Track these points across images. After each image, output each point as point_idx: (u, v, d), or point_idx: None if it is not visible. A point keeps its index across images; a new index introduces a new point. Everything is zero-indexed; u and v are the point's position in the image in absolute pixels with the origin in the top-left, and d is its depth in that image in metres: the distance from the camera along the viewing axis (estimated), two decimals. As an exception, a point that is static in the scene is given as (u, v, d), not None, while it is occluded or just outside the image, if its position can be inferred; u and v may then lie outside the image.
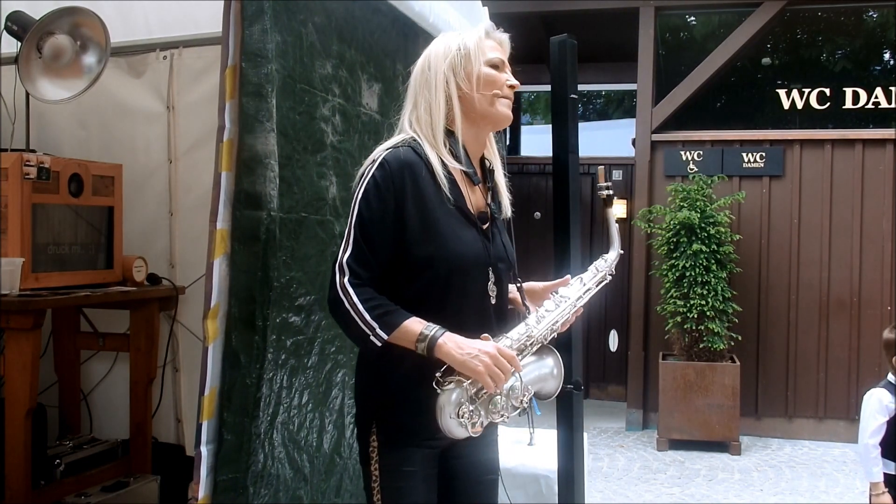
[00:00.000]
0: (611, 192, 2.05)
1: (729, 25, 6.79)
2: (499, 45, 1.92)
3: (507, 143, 9.20)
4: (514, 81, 1.90)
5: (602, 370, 7.71)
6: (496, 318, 1.87)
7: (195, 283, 3.43)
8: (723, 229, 5.94)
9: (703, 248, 5.83)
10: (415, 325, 1.71)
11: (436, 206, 1.78)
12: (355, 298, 1.71)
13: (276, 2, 2.10)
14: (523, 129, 9.73)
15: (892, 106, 6.45)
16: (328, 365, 2.42)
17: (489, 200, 1.92)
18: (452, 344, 1.69)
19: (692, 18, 7.42)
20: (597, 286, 2.00)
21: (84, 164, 3.14)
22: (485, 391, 1.72)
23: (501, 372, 1.70)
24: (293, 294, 2.19)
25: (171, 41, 3.57)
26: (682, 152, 6.62)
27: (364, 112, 2.59)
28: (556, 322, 1.88)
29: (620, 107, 10.67)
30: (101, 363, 3.74)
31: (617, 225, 2.07)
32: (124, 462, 3.39)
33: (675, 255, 5.98)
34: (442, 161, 1.81)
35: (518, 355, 1.79)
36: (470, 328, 1.76)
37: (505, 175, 2.03)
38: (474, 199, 1.89)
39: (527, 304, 1.96)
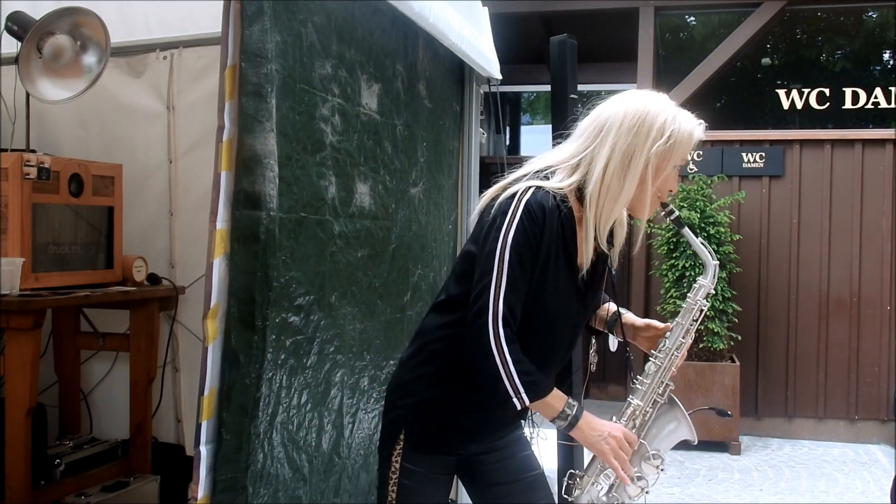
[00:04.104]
0: (673, 212, 1.91)
1: (729, 25, 6.78)
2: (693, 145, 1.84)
3: (508, 143, 9.19)
4: (675, 187, 1.86)
5: (602, 370, 7.70)
6: (563, 367, 1.95)
7: (195, 283, 3.43)
8: (723, 229, 5.93)
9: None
10: (557, 401, 1.76)
11: (553, 260, 1.74)
12: (509, 358, 1.68)
13: (276, 2, 2.10)
14: (523, 129, 9.74)
15: (892, 106, 6.45)
16: (327, 365, 2.43)
17: (604, 251, 1.83)
18: (587, 426, 1.79)
19: (692, 18, 7.42)
20: (694, 322, 1.94)
21: (84, 164, 3.14)
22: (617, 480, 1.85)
23: (625, 454, 1.80)
24: (292, 294, 2.19)
25: (171, 41, 3.58)
26: (682, 152, 6.60)
27: (363, 112, 2.59)
28: (661, 384, 1.93)
29: (620, 107, 10.65)
30: (101, 363, 3.74)
31: (699, 240, 1.95)
32: (124, 462, 3.40)
33: (675, 255, 5.98)
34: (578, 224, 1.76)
35: (635, 427, 1.91)
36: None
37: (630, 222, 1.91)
38: (586, 249, 1.80)
39: (632, 372, 2.01)
